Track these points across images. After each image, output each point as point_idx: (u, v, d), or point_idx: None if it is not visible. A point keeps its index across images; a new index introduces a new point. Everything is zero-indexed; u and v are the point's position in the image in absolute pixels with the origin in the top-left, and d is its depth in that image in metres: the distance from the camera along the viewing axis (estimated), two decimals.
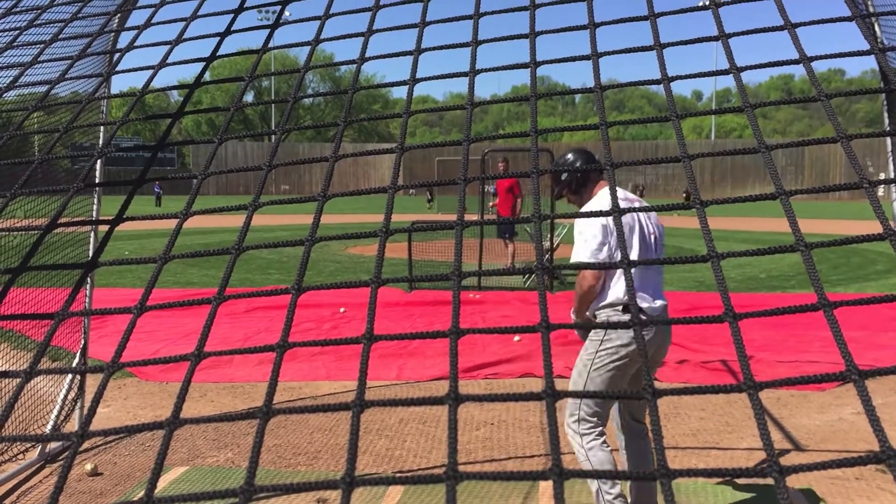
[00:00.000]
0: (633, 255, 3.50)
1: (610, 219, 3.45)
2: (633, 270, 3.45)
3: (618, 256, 3.48)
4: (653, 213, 3.74)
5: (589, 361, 3.56)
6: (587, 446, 3.53)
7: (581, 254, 3.50)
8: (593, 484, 3.54)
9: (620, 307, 3.52)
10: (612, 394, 0.75)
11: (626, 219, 3.54)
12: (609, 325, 0.90)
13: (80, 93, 3.86)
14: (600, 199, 3.74)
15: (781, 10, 1.09)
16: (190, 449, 5.14)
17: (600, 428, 3.57)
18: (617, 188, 3.69)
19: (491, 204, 14.18)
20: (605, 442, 3.57)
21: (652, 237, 3.63)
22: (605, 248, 3.46)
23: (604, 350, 3.52)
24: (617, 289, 3.51)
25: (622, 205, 3.74)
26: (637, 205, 3.52)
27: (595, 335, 3.56)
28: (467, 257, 12.84)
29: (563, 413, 3.67)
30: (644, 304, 3.52)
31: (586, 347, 3.60)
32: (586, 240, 3.47)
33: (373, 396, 0.75)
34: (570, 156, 3.92)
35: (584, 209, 3.64)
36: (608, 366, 3.53)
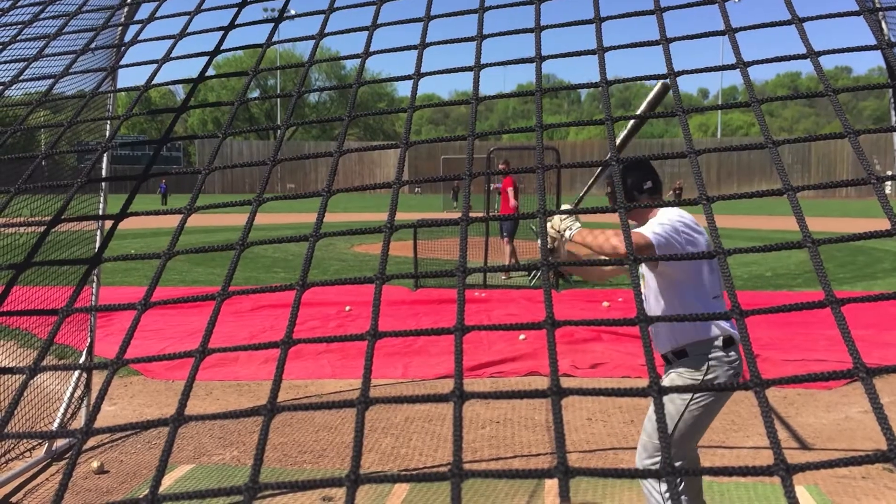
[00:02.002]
0: (704, 279, 3.21)
1: (683, 231, 3.14)
2: (715, 298, 3.20)
3: (698, 272, 3.20)
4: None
5: (683, 403, 3.19)
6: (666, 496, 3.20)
7: (646, 231, 3.09)
8: None
9: (721, 340, 3.18)
10: (610, 391, 0.74)
11: (702, 241, 3.20)
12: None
13: (85, 91, 3.87)
14: (669, 210, 3.28)
15: (789, 5, 1.08)
16: (196, 447, 5.15)
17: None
18: (675, 209, 3.34)
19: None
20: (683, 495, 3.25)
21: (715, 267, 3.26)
22: (673, 245, 3.07)
23: (702, 396, 3.18)
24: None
25: (696, 229, 3.33)
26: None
27: (691, 374, 3.21)
28: (473, 255, 12.83)
29: (638, 456, 3.38)
30: (733, 331, 3.19)
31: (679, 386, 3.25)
32: (659, 228, 3.09)
33: (378, 394, 0.75)
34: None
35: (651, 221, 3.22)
36: (706, 406, 3.21)
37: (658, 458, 3.28)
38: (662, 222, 3.14)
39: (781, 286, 12.20)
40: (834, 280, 12.61)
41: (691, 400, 3.19)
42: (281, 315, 9.37)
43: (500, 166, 13.94)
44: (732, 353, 3.22)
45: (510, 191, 13.10)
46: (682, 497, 3.30)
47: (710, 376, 3.19)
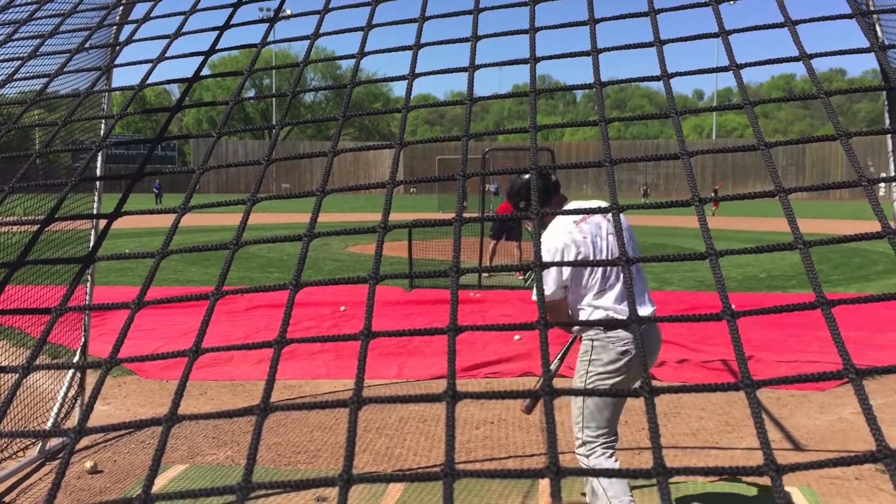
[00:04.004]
0: (597, 272, 3.46)
1: (566, 239, 3.47)
2: (605, 282, 3.45)
3: (592, 274, 3.46)
4: (609, 215, 3.51)
5: (581, 385, 3.46)
6: (593, 463, 3.44)
7: (547, 285, 3.43)
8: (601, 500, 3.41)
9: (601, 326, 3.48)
10: (610, 392, 0.75)
11: (579, 239, 3.48)
12: (605, 324, 0.89)
13: (80, 89, 3.86)
14: (557, 223, 3.62)
15: (782, 8, 1.09)
16: (190, 447, 5.14)
17: (611, 446, 3.46)
18: (575, 201, 3.76)
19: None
20: (612, 456, 3.46)
21: (605, 242, 3.53)
22: (567, 272, 3.43)
23: (594, 373, 3.43)
24: (599, 306, 3.44)
25: (575, 225, 3.74)
26: (589, 218, 3.53)
27: (583, 356, 3.50)
28: (468, 256, 12.82)
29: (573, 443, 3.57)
30: (623, 316, 3.40)
31: (577, 370, 3.51)
32: (549, 272, 3.41)
33: (372, 395, 0.75)
34: (524, 177, 3.86)
35: (545, 233, 3.58)
36: (600, 387, 3.40)
37: (580, 438, 3.51)
38: (550, 249, 3.49)
39: (775, 287, 12.23)
40: (827, 282, 12.65)
41: (587, 378, 3.45)
42: (275, 315, 9.36)
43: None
44: (618, 332, 3.43)
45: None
46: (613, 460, 3.48)
47: (595, 356, 3.44)
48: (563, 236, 3.47)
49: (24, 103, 1.28)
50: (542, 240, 3.48)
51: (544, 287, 3.35)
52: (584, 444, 3.47)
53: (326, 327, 8.97)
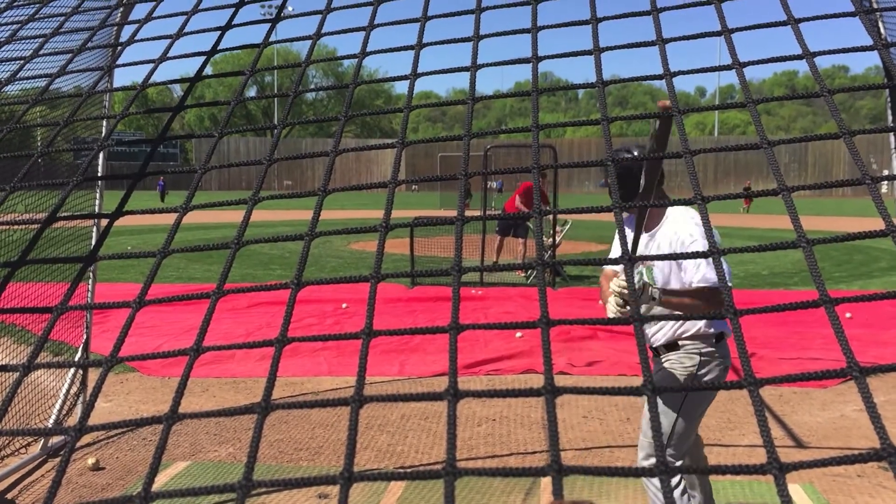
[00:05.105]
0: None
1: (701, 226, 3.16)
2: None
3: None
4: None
5: (679, 401, 3.17)
6: (679, 494, 3.20)
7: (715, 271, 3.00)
8: None
9: (714, 338, 3.18)
10: (604, 389, 0.75)
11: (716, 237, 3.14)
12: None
13: (82, 87, 3.86)
14: (682, 211, 3.19)
15: (785, 6, 1.09)
16: (192, 444, 5.15)
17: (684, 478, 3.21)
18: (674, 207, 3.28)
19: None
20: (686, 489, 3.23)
21: None
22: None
23: (698, 393, 3.16)
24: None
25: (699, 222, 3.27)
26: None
27: (684, 373, 3.19)
28: (470, 253, 12.83)
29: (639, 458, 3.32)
30: (725, 327, 3.21)
31: (675, 381, 3.20)
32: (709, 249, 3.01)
33: (374, 392, 0.75)
34: (635, 151, 3.09)
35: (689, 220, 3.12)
36: (699, 402, 3.21)
37: (654, 458, 3.28)
38: (698, 240, 3.07)
39: (778, 284, 12.21)
40: (830, 279, 12.63)
41: (686, 397, 3.18)
42: (277, 312, 9.36)
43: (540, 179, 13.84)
44: (722, 347, 3.24)
45: (519, 197, 13.07)
46: (692, 498, 3.30)
47: (702, 370, 3.19)
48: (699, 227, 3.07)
49: (26, 102, 1.28)
50: (694, 227, 3.07)
51: (718, 272, 3.02)
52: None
53: (328, 324, 8.98)
